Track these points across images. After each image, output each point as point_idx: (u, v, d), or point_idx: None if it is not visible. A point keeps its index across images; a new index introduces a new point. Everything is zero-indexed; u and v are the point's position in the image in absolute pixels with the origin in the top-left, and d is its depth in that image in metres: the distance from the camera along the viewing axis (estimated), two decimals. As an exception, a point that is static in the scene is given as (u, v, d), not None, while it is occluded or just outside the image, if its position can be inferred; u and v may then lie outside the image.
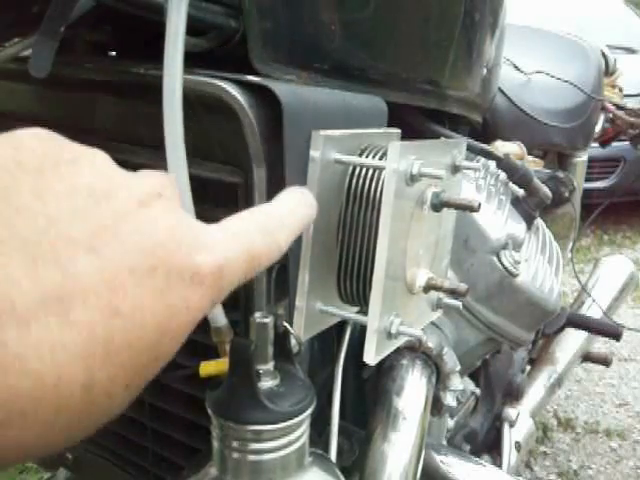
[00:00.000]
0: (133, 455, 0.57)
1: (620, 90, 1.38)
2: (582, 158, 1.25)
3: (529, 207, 0.79)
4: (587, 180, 1.37)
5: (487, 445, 1.04)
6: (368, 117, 0.47)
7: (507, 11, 0.73)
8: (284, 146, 0.37)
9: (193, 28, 0.37)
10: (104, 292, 0.19)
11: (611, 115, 1.31)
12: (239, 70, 0.39)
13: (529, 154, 0.93)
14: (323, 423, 0.55)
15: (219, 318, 0.39)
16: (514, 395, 1.09)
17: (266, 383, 0.38)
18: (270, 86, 0.36)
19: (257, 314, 0.36)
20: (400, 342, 0.44)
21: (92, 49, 0.48)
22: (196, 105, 0.38)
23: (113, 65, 0.45)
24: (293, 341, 0.41)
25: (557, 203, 1.00)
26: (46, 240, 0.19)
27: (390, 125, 0.49)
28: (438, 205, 0.42)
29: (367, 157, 0.42)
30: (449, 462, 0.72)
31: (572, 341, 1.30)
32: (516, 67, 1.11)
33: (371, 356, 0.40)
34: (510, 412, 1.06)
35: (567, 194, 0.99)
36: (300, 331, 0.41)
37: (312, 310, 0.42)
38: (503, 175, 0.80)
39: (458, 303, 0.49)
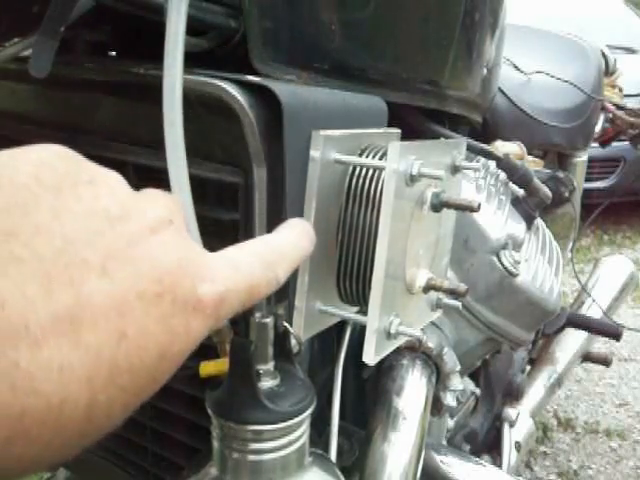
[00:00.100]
0: (133, 455, 0.57)
1: (620, 90, 1.38)
2: (582, 158, 1.25)
3: (529, 207, 0.79)
4: (587, 180, 1.37)
5: (487, 445, 1.05)
6: (368, 117, 0.47)
7: (507, 11, 0.73)
8: (284, 146, 0.37)
9: (193, 28, 0.37)
10: (113, 316, 0.20)
11: (611, 115, 1.31)
12: (239, 70, 0.39)
13: (529, 154, 0.93)
14: (323, 423, 0.55)
15: (219, 318, 0.39)
16: (514, 395, 1.09)
17: (266, 383, 0.38)
18: (270, 86, 0.36)
19: (257, 314, 0.36)
20: (400, 342, 0.44)
21: (92, 49, 0.48)
22: (196, 105, 0.38)
23: (113, 65, 0.45)
24: (293, 341, 0.41)
25: (557, 203, 1.00)
26: (62, 261, 0.19)
27: (390, 125, 0.49)
28: (438, 205, 0.42)
29: (367, 157, 0.42)
30: (449, 462, 0.72)
31: (572, 341, 1.31)
32: (516, 67, 1.11)
33: (370, 356, 0.40)
34: (510, 412, 1.06)
35: (567, 194, 0.99)
36: (300, 331, 0.41)
37: (312, 310, 0.42)
38: (503, 175, 0.80)
39: (457, 303, 0.49)
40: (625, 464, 1.73)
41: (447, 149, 0.47)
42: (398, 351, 0.66)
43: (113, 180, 0.23)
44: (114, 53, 0.50)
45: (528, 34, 1.32)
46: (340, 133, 0.41)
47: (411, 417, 0.63)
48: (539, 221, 0.87)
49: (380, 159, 0.41)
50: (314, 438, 0.42)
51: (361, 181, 0.41)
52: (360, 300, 0.44)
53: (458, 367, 0.69)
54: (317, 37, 0.46)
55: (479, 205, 0.40)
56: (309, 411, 0.38)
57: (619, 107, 1.30)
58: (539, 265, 0.78)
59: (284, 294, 0.41)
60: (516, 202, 0.79)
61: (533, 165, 0.95)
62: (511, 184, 0.80)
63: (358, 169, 0.42)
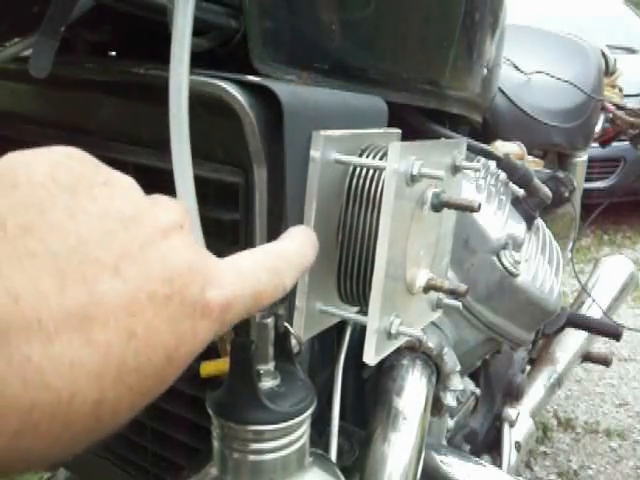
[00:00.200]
0: (133, 455, 0.57)
1: (620, 90, 1.38)
2: (582, 158, 1.25)
3: (529, 207, 0.79)
4: (587, 180, 1.37)
5: (487, 445, 1.04)
6: (368, 117, 0.47)
7: (507, 11, 0.73)
8: (284, 146, 0.37)
9: (194, 28, 0.37)
10: (124, 315, 0.20)
11: (611, 115, 1.31)
12: (239, 70, 0.39)
13: (529, 154, 0.93)
14: (323, 423, 0.55)
15: (219, 318, 0.39)
16: (514, 395, 1.09)
17: (266, 383, 0.38)
18: (270, 86, 0.36)
19: (257, 314, 0.36)
20: (400, 342, 0.44)
21: (92, 49, 0.48)
22: (196, 105, 0.38)
23: (113, 65, 0.45)
24: (293, 341, 0.41)
25: (557, 203, 1.00)
26: (76, 259, 0.19)
27: (390, 125, 0.49)
28: (438, 205, 0.42)
29: (367, 157, 0.42)
30: (449, 462, 0.72)
31: (572, 341, 1.31)
32: (516, 67, 1.11)
33: (371, 356, 0.40)
34: (510, 412, 1.06)
35: (567, 194, 0.99)
36: (300, 331, 0.41)
37: (312, 310, 0.42)
38: (503, 175, 0.80)
39: (458, 303, 0.49)
40: (625, 464, 1.73)
41: (447, 149, 0.47)
42: (398, 351, 0.66)
43: (127, 183, 0.23)
44: (114, 53, 0.50)
45: (528, 34, 1.32)
46: (340, 133, 0.41)
47: (411, 417, 0.63)
48: (539, 221, 0.87)
49: (380, 159, 0.41)
50: (314, 438, 0.42)
51: (361, 181, 0.41)
52: (360, 300, 0.44)
53: (458, 367, 0.69)
54: (317, 37, 0.46)
55: (479, 205, 0.40)
56: (309, 411, 0.38)
57: (619, 107, 1.30)
58: (539, 265, 0.78)
59: (285, 294, 0.41)
60: (516, 202, 0.79)
61: (533, 165, 0.95)
62: (511, 184, 0.80)
63: (358, 169, 0.42)
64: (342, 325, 0.56)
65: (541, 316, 0.78)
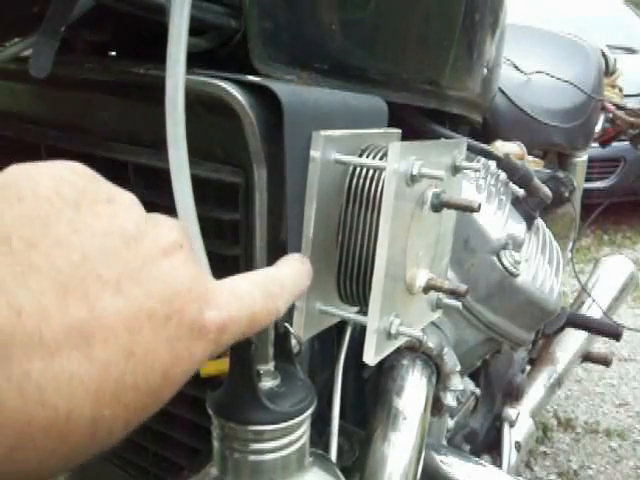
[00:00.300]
0: (133, 455, 0.57)
1: (620, 90, 1.38)
2: (582, 158, 1.25)
3: (529, 207, 0.79)
4: (587, 180, 1.37)
5: (487, 445, 1.04)
6: (368, 117, 0.47)
7: (507, 11, 0.73)
8: (284, 146, 0.37)
9: (193, 28, 0.37)
10: (124, 333, 0.20)
11: (611, 115, 1.31)
12: (239, 70, 0.39)
13: (529, 154, 0.93)
14: (323, 423, 0.55)
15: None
16: (514, 395, 1.09)
17: (266, 383, 0.38)
18: (270, 86, 0.36)
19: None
20: (400, 342, 0.44)
21: (92, 49, 0.48)
22: (196, 105, 0.38)
23: (113, 65, 0.45)
24: (293, 341, 0.41)
25: (557, 203, 1.00)
26: (78, 275, 0.19)
27: (390, 125, 0.49)
28: (438, 205, 0.42)
29: (367, 157, 0.42)
30: (449, 462, 0.72)
31: (572, 341, 1.31)
32: (516, 67, 1.11)
33: (371, 356, 0.40)
34: (510, 412, 1.06)
35: (567, 194, 0.99)
36: (300, 331, 0.41)
37: (312, 310, 0.42)
38: (503, 175, 0.80)
39: (458, 303, 0.49)
40: (625, 464, 1.73)
41: (447, 149, 0.47)
42: (398, 351, 0.66)
43: (129, 200, 0.24)
44: (114, 53, 0.50)
45: (528, 34, 1.32)
46: (340, 133, 0.41)
47: (411, 417, 0.63)
48: (539, 221, 0.87)
49: (380, 159, 0.41)
50: (314, 438, 0.42)
51: (361, 181, 0.41)
52: (360, 300, 0.44)
53: (458, 367, 0.69)
54: (317, 37, 0.46)
55: (479, 205, 0.40)
56: (309, 411, 0.38)
57: (619, 107, 1.30)
58: (539, 265, 0.78)
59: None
60: (516, 202, 0.79)
61: (533, 165, 0.95)
62: (511, 184, 0.80)
63: (358, 169, 0.42)
64: (342, 325, 0.56)
65: (541, 316, 0.78)
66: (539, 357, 1.30)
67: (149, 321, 0.21)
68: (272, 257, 0.39)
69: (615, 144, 1.52)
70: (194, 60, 0.35)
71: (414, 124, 0.65)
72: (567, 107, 1.13)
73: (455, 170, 0.48)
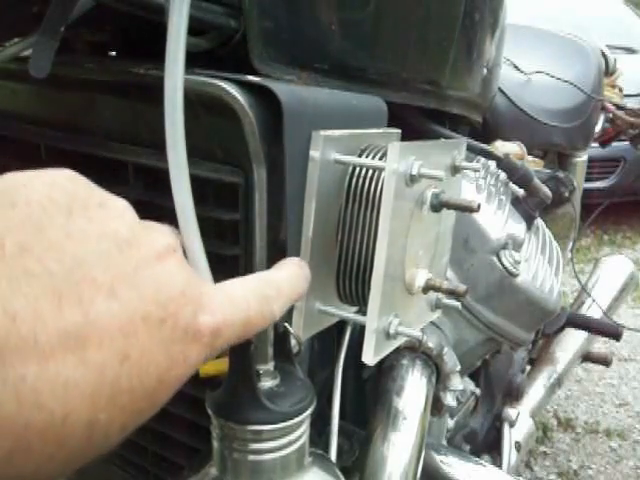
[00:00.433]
0: (133, 455, 0.57)
1: (620, 90, 1.38)
2: (582, 158, 1.25)
3: (529, 207, 0.79)
4: (587, 180, 1.37)
5: (487, 445, 1.04)
6: (368, 117, 0.47)
7: (507, 11, 0.73)
8: (284, 146, 0.37)
9: (193, 28, 0.37)
10: (119, 336, 0.20)
11: (611, 115, 1.31)
12: (239, 70, 0.39)
13: (529, 154, 0.93)
14: (323, 423, 0.55)
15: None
16: (514, 395, 1.09)
17: (266, 383, 0.38)
18: (270, 86, 0.36)
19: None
20: (399, 342, 0.44)
21: (92, 49, 0.48)
22: (196, 105, 0.38)
23: (113, 65, 0.45)
24: (293, 341, 0.41)
25: (557, 203, 1.00)
26: (72, 279, 0.20)
27: (390, 125, 0.49)
28: (438, 206, 0.42)
29: (367, 157, 0.42)
30: (449, 462, 0.72)
31: (572, 341, 1.31)
32: (516, 67, 1.11)
33: (370, 356, 0.40)
34: (510, 412, 1.06)
35: (567, 194, 0.99)
36: (299, 331, 0.41)
37: (311, 310, 0.42)
38: (503, 175, 0.80)
39: (457, 303, 0.49)
40: (625, 464, 1.73)
41: (447, 149, 0.47)
42: (398, 351, 0.66)
43: (122, 206, 0.24)
44: (114, 53, 0.50)
45: (528, 34, 1.32)
46: (340, 133, 0.41)
47: (411, 417, 0.63)
48: (539, 221, 0.87)
49: (380, 159, 0.41)
50: (314, 438, 0.42)
51: (361, 181, 0.41)
52: (359, 300, 0.44)
53: (458, 367, 0.69)
54: (317, 37, 0.46)
55: (479, 205, 0.40)
56: (309, 411, 0.38)
57: (619, 107, 1.30)
58: (539, 265, 0.78)
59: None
60: (516, 202, 0.79)
61: (533, 165, 0.95)
62: (511, 184, 0.80)
63: (358, 169, 0.42)
64: (342, 325, 0.56)
65: (541, 316, 0.78)
66: (539, 357, 1.30)
67: (144, 324, 0.21)
68: (272, 257, 0.39)
69: (615, 144, 1.51)
70: (194, 60, 0.35)
71: (414, 124, 0.65)
72: (567, 107, 1.13)
73: (455, 170, 0.48)
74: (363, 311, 0.43)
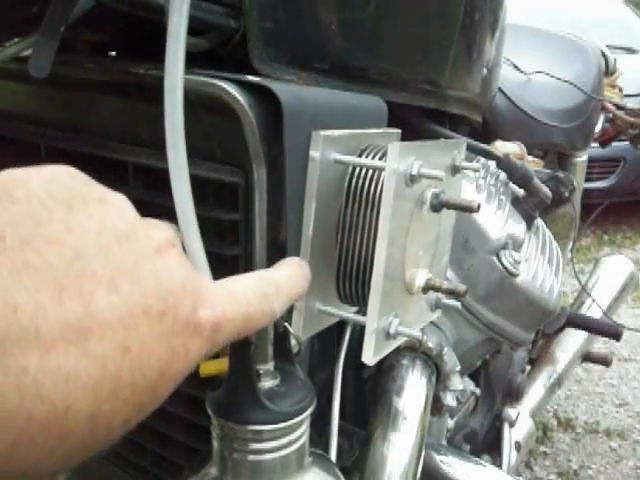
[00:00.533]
0: (133, 455, 0.57)
1: (620, 90, 1.38)
2: (582, 158, 1.25)
3: (529, 207, 0.79)
4: (587, 180, 1.37)
5: (487, 445, 1.04)
6: (368, 117, 0.47)
7: (507, 11, 0.73)
8: (284, 146, 0.37)
9: (193, 28, 0.37)
10: (119, 329, 0.20)
11: (611, 115, 1.31)
12: (239, 70, 0.39)
13: (529, 154, 0.93)
14: (323, 423, 0.55)
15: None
16: (514, 395, 1.09)
17: (266, 383, 0.38)
18: (270, 86, 0.36)
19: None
20: (399, 342, 0.44)
21: (92, 49, 0.48)
22: (196, 105, 0.38)
23: (113, 65, 0.45)
24: (293, 341, 0.41)
25: (557, 203, 1.00)
26: (72, 272, 0.20)
27: (390, 125, 0.49)
28: (438, 206, 0.42)
29: (367, 157, 0.42)
30: (449, 462, 0.72)
31: (572, 341, 1.31)
32: (516, 67, 1.11)
33: (369, 356, 0.40)
34: (510, 412, 1.06)
35: (567, 194, 0.99)
36: (299, 331, 0.41)
37: (311, 310, 0.42)
38: (503, 175, 0.80)
39: (457, 303, 0.49)
40: (625, 464, 1.73)
41: (447, 149, 0.47)
42: (398, 351, 0.66)
43: (121, 201, 0.24)
44: (114, 53, 0.50)
45: (528, 34, 1.32)
46: (340, 133, 0.41)
47: (411, 417, 0.63)
48: (539, 221, 0.87)
49: (380, 159, 0.41)
50: (314, 438, 0.42)
51: (361, 181, 0.41)
52: (359, 300, 0.44)
53: (458, 367, 0.69)
54: (317, 37, 0.46)
55: (479, 205, 0.40)
56: (309, 411, 0.38)
57: (619, 107, 1.30)
58: (539, 265, 0.78)
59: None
60: (516, 202, 0.79)
61: (533, 165, 0.95)
62: (511, 184, 0.80)
63: (358, 169, 0.42)
64: (342, 325, 0.56)
65: (541, 316, 0.78)
66: (539, 357, 1.30)
67: (144, 317, 0.21)
68: (272, 257, 0.39)
69: (615, 144, 1.51)
70: (194, 60, 0.35)
71: (414, 124, 0.65)
72: (567, 107, 1.13)
73: (455, 170, 0.48)
74: (363, 311, 0.43)
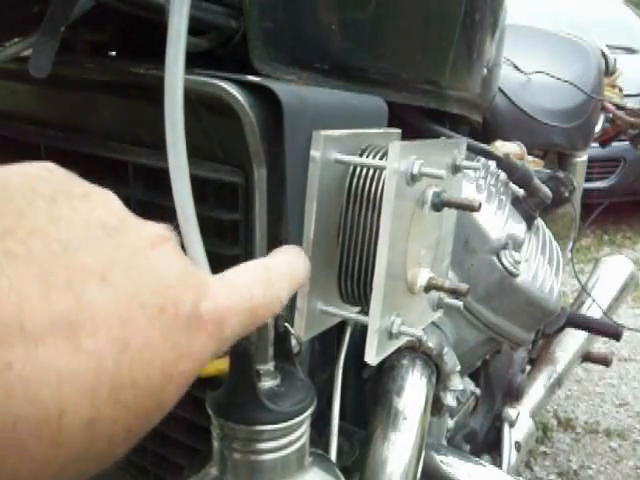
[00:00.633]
0: (133, 455, 0.57)
1: (620, 90, 1.38)
2: (582, 158, 1.25)
3: (529, 207, 0.79)
4: (587, 180, 1.37)
5: (487, 445, 1.04)
6: (368, 117, 0.47)
7: (507, 11, 0.73)
8: (284, 146, 0.37)
9: (193, 28, 0.37)
10: (115, 324, 0.19)
11: (611, 115, 1.31)
12: (239, 70, 0.39)
13: (529, 154, 0.93)
14: (323, 423, 0.55)
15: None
16: (514, 395, 1.09)
17: (266, 383, 0.38)
18: (270, 86, 0.36)
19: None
20: (401, 342, 0.44)
21: (92, 49, 0.48)
22: (196, 105, 0.38)
23: (113, 65, 0.45)
24: (293, 341, 0.41)
25: (557, 203, 1.00)
26: (60, 264, 0.18)
27: (390, 125, 0.49)
28: (439, 205, 0.42)
29: (368, 157, 0.42)
30: (449, 462, 0.72)
31: (572, 341, 1.31)
32: (516, 67, 1.11)
33: (372, 356, 0.40)
34: (510, 412, 1.06)
35: (567, 194, 0.99)
36: (301, 331, 0.41)
37: (313, 310, 0.42)
38: (503, 175, 0.80)
39: (459, 303, 0.49)
40: (625, 464, 1.73)
41: (448, 149, 0.47)
42: (398, 351, 0.66)
43: (107, 195, 0.22)
44: (114, 53, 0.50)
45: (528, 34, 1.32)
46: (340, 133, 0.41)
47: (411, 417, 0.63)
48: (539, 221, 0.87)
49: (381, 159, 0.41)
50: (314, 438, 0.42)
51: (362, 181, 0.41)
52: (361, 300, 0.44)
53: (458, 367, 0.69)
54: (317, 37, 0.46)
55: (480, 205, 0.40)
56: (309, 411, 0.38)
57: (619, 107, 1.30)
58: (539, 265, 0.78)
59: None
60: (516, 202, 0.79)
61: (533, 165, 0.95)
62: (511, 184, 0.80)
63: (359, 169, 0.42)
64: (342, 325, 0.56)
65: (541, 316, 0.78)
66: (539, 357, 1.30)
67: (142, 312, 0.19)
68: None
69: (615, 144, 1.52)
70: (194, 60, 0.35)
71: (414, 124, 0.65)
72: (567, 107, 1.13)
73: (455, 169, 0.48)
74: (365, 311, 0.43)
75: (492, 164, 0.80)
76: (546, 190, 0.79)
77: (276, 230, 0.40)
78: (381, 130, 0.47)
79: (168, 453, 0.54)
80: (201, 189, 0.36)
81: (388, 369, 0.67)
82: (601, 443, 1.82)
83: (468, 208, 0.41)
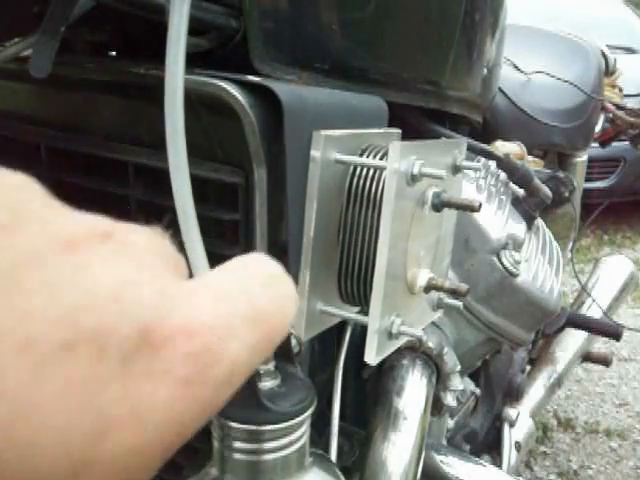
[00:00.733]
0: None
1: (620, 90, 1.38)
2: (582, 158, 1.25)
3: (529, 207, 0.79)
4: (587, 180, 1.37)
5: (487, 445, 1.04)
6: (369, 117, 0.47)
7: (507, 11, 0.73)
8: (285, 146, 0.37)
9: (193, 28, 0.37)
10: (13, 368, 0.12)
11: (611, 115, 1.31)
12: (240, 70, 0.39)
13: (529, 154, 0.93)
14: (323, 423, 0.55)
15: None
16: (514, 395, 1.09)
17: (267, 383, 0.38)
18: (271, 86, 0.36)
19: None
20: (401, 342, 0.44)
21: (92, 49, 0.48)
22: (197, 105, 0.38)
23: (113, 65, 0.45)
24: (294, 341, 0.41)
25: (557, 203, 1.00)
26: None
27: (390, 125, 0.49)
28: (439, 205, 0.42)
29: (368, 157, 0.42)
30: (449, 462, 0.72)
31: (572, 341, 1.30)
32: (516, 67, 1.11)
33: (372, 356, 0.40)
34: (510, 412, 1.06)
35: (567, 194, 0.99)
36: (301, 331, 0.41)
37: (313, 310, 0.42)
38: (503, 175, 0.80)
39: (459, 303, 0.49)
40: (625, 464, 1.73)
41: (448, 149, 0.47)
42: (398, 351, 0.66)
43: (16, 180, 0.15)
44: (114, 53, 0.50)
45: (528, 34, 1.32)
46: (341, 133, 0.41)
47: (411, 417, 0.63)
48: (539, 221, 0.87)
49: (381, 159, 0.41)
50: (314, 438, 0.42)
51: (362, 181, 0.41)
52: (361, 300, 0.44)
53: (458, 367, 0.69)
54: (317, 37, 0.46)
55: (480, 205, 0.40)
56: (309, 411, 0.38)
57: (619, 107, 1.30)
58: (539, 265, 0.78)
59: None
60: (516, 202, 0.79)
61: (533, 165, 0.95)
62: (511, 184, 0.80)
63: (359, 169, 0.42)
64: (342, 325, 0.56)
65: (541, 316, 0.78)
66: (539, 357, 1.30)
67: (30, 350, 0.12)
68: (272, 257, 0.39)
69: (615, 144, 1.52)
70: (194, 60, 0.35)
71: (414, 124, 0.65)
72: (567, 107, 1.13)
73: (455, 170, 0.48)
74: (365, 311, 0.43)
75: (492, 164, 0.80)
76: (546, 190, 0.79)
77: (276, 230, 0.40)
78: (381, 130, 0.47)
79: (168, 453, 0.54)
80: (201, 189, 0.36)
81: (388, 369, 0.67)
82: (601, 443, 1.81)
83: (468, 208, 0.41)
